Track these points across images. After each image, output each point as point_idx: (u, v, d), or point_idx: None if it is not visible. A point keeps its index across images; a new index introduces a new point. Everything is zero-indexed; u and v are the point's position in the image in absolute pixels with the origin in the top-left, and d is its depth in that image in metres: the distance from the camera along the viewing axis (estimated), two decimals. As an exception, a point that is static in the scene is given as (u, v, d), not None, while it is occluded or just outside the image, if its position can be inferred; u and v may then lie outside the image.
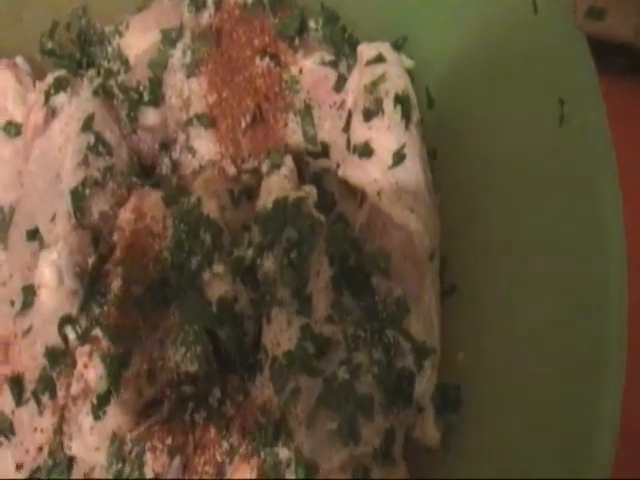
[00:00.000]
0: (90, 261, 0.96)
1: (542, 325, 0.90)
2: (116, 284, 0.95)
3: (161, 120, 1.06)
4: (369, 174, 0.97)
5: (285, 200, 0.96)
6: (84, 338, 0.93)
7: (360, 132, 0.99)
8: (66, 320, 0.93)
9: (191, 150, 1.05)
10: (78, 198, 0.97)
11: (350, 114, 1.03)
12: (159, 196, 0.98)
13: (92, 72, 1.09)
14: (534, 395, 0.89)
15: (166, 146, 1.06)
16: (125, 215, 0.98)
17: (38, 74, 1.10)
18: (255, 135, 1.04)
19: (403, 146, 0.98)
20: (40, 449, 0.93)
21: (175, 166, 1.06)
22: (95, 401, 0.91)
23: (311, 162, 1.05)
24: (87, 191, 0.98)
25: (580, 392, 0.83)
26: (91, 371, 0.92)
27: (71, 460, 0.93)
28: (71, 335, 0.94)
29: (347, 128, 1.04)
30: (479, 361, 0.98)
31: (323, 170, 1.05)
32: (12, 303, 1.01)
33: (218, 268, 0.95)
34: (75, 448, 0.92)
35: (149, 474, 0.92)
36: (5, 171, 1.05)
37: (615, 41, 1.25)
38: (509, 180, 0.98)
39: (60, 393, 0.94)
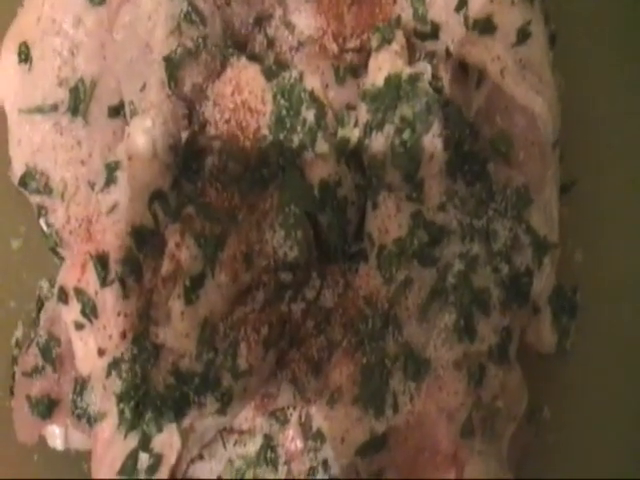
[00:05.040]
0: (184, 135, 0.88)
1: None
2: (212, 160, 0.88)
3: (257, -9, 0.96)
4: (491, 51, 0.89)
5: (398, 76, 0.88)
6: (175, 216, 0.86)
7: (480, 6, 0.91)
8: (157, 196, 0.85)
9: (288, 25, 0.96)
10: (172, 66, 0.89)
11: (465, -11, 0.94)
12: (258, 69, 0.90)
13: None
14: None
15: (260, 21, 0.97)
16: (221, 88, 0.90)
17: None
18: (360, 11, 0.95)
19: (528, 22, 0.90)
20: (124, 335, 0.86)
21: (270, 43, 0.97)
22: (187, 283, 0.84)
23: (418, 43, 0.96)
24: (180, 60, 0.89)
25: None
26: (184, 251, 0.85)
27: (157, 348, 0.86)
28: (161, 213, 0.86)
29: (460, 7, 0.94)
30: (598, 261, 0.91)
31: (431, 52, 0.95)
32: (91, 185, 0.93)
33: (321, 148, 0.88)
34: (163, 335, 0.86)
35: (243, 365, 0.85)
36: (87, 42, 0.97)
37: None
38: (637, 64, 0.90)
39: (147, 276, 0.87)
